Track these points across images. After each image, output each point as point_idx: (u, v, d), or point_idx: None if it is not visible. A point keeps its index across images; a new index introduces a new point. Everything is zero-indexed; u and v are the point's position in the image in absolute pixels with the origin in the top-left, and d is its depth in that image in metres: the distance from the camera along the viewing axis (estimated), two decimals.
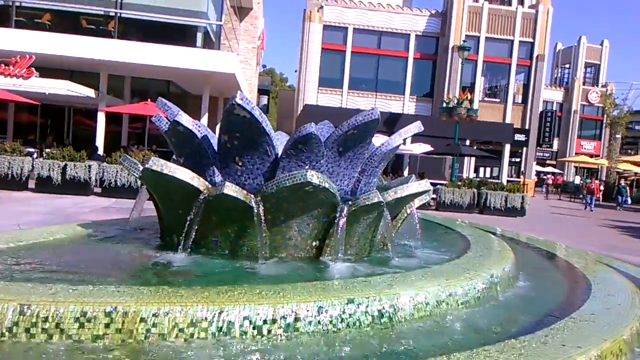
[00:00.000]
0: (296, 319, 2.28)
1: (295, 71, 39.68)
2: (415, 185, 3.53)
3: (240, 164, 3.28)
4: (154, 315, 2.12)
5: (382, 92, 30.63)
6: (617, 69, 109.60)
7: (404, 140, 3.97)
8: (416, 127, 3.88)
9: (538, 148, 34.58)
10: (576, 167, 42.58)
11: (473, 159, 28.32)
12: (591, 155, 40.38)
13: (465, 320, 2.74)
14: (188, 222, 3.05)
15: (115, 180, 12.95)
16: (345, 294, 2.48)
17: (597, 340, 2.53)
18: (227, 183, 2.96)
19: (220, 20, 20.21)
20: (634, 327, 2.81)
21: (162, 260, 3.00)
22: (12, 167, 12.38)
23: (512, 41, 30.08)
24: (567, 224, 16.17)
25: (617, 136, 38.30)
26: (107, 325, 2.08)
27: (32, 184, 13.01)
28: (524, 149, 30.45)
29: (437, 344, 2.41)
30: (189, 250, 3.10)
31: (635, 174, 36.64)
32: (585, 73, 44.34)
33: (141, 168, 3.33)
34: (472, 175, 27.60)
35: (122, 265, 2.96)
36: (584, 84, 43.13)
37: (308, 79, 30.24)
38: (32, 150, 15.40)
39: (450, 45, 29.36)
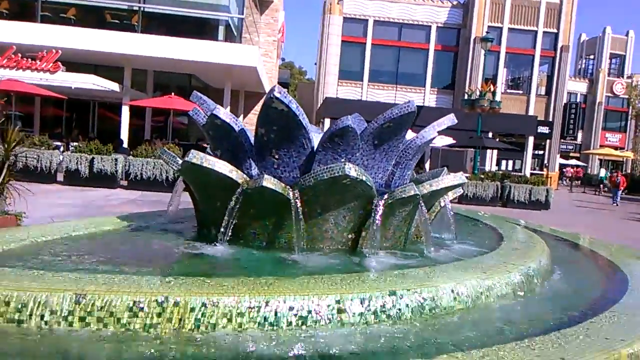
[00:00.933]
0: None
1: (315, 64, 39.65)
2: (451, 178, 3.53)
3: (276, 156, 3.32)
4: (203, 305, 2.17)
5: (403, 85, 30.43)
6: None
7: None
8: (449, 119, 3.87)
9: (562, 140, 34.04)
10: (600, 160, 41.77)
11: (495, 151, 28.01)
12: (616, 148, 39.58)
13: (505, 313, 2.75)
14: (227, 215, 3.10)
15: (141, 173, 13.14)
16: (388, 285, 2.50)
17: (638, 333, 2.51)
18: (265, 176, 3.00)
19: (242, 14, 20.28)
20: None
21: (203, 252, 3.05)
22: (41, 161, 12.63)
23: (536, 32, 29.58)
24: (592, 217, 15.92)
25: None
26: (158, 315, 2.14)
27: (60, 176, 13.28)
28: (548, 141, 30.00)
29: (481, 336, 2.42)
30: (228, 241, 3.15)
31: None
32: (610, 64, 43.43)
33: (180, 161, 3.39)
34: (494, 168, 27.30)
35: (166, 256, 3.03)
36: (608, 75, 42.27)
37: (328, 72, 30.18)
38: (58, 143, 15.70)
39: (472, 37, 29.01)
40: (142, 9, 18.52)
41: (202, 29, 21.93)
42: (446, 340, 2.33)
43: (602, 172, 34.25)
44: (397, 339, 2.31)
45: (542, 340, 2.31)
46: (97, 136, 18.38)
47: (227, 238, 3.10)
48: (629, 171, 37.79)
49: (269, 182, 2.99)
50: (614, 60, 43.86)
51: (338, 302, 2.36)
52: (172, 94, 16.67)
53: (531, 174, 22.28)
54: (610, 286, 3.67)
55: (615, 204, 21.61)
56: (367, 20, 30.13)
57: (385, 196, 3.17)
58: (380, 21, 30.13)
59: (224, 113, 3.25)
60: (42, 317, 2.08)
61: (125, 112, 18.14)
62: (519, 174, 21.60)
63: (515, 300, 2.93)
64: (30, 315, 2.08)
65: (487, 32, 23.47)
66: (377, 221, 3.12)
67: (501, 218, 6.02)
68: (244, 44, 21.92)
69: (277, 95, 2.99)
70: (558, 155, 32.03)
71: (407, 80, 30.48)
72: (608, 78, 41.82)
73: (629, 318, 2.74)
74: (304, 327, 2.28)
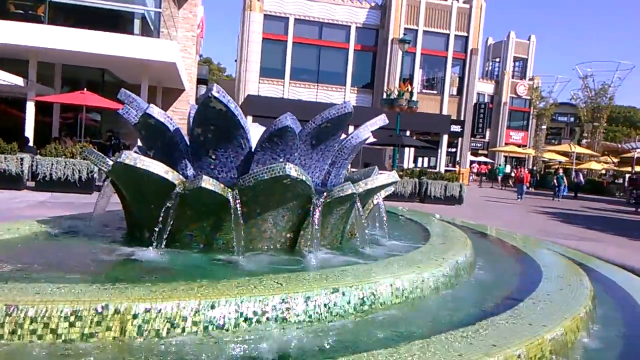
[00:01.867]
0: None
1: (235, 61, 39.10)
2: (384, 177, 3.65)
3: (213, 157, 3.26)
4: (146, 311, 2.10)
5: (324, 83, 30.86)
6: (543, 63, 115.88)
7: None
8: (381, 120, 3.99)
9: (472, 139, 36.12)
10: (506, 157, 44.85)
11: (412, 149, 29.19)
12: (519, 145, 42.70)
13: (440, 304, 2.90)
14: (162, 217, 3.00)
15: (50, 174, 12.30)
16: (331, 284, 2.55)
17: (559, 319, 2.74)
18: (204, 177, 2.94)
19: (159, 7, 19.55)
20: (587, 306, 3.07)
21: (137, 257, 2.94)
22: None
23: (448, 35, 31.17)
24: (502, 211, 17.06)
25: (543, 127, 40.73)
26: (98, 323, 2.04)
27: None
28: (459, 139, 31.72)
29: (419, 326, 2.54)
30: (164, 245, 3.05)
31: (559, 162, 39.14)
32: (514, 67, 46.65)
33: (110, 162, 3.24)
34: (411, 165, 28.45)
35: (97, 262, 2.87)
36: (512, 77, 45.41)
37: (249, 69, 29.91)
38: None
39: (390, 38, 30.00)
40: None
41: (116, 21, 20.86)
42: (387, 333, 2.42)
43: (506, 167, 36.92)
44: (341, 334, 2.36)
45: (474, 328, 2.46)
46: None
47: (163, 241, 3.00)
48: (530, 166, 40.87)
49: (208, 183, 2.93)
50: (517, 63, 47.17)
51: (283, 301, 2.38)
52: (85, 89, 15.73)
53: (445, 171, 23.43)
54: (526, 275, 3.97)
55: (519, 199, 22.55)
56: (288, 18, 30.22)
57: (324, 195, 3.22)
58: (301, 19, 30.33)
59: (157, 112, 3.14)
60: None
61: (31, 108, 16.86)
62: (434, 170, 22.65)
63: (447, 292, 3.10)
64: None
65: (404, 34, 24.37)
66: (316, 220, 3.16)
67: (424, 214, 6.30)
68: (162, 39, 21.18)
69: (216, 94, 2.94)
70: (469, 153, 33.97)
71: (328, 79, 30.95)
72: (512, 80, 44.94)
73: (547, 304, 2.99)
74: (250, 328, 2.27)
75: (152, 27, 21.99)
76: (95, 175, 12.60)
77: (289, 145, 3.24)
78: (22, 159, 12.21)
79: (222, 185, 3.01)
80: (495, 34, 67.45)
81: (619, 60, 48.94)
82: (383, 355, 1.97)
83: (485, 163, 42.05)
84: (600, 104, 39.92)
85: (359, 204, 3.43)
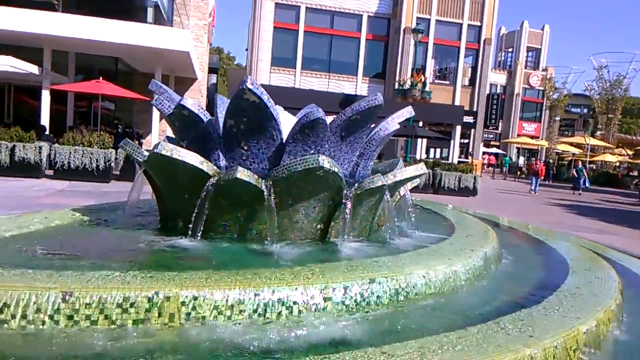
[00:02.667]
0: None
1: (246, 50, 39.03)
2: (413, 169, 3.67)
3: (245, 148, 3.30)
4: (194, 298, 2.16)
5: (335, 73, 30.74)
6: (557, 54, 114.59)
7: None
8: (408, 111, 4.01)
9: (484, 130, 35.91)
10: (518, 148, 44.56)
11: (425, 140, 29.07)
12: (532, 137, 42.39)
13: (472, 295, 2.93)
14: (197, 207, 3.06)
15: (68, 162, 12.43)
16: (368, 273, 2.60)
17: (592, 311, 2.77)
18: (239, 168, 2.98)
19: None
20: (617, 299, 3.09)
21: (176, 245, 3.00)
22: None
23: (461, 24, 30.86)
24: (517, 203, 17.01)
25: (557, 118, 40.34)
26: (148, 310, 2.10)
27: None
28: (472, 130, 31.54)
29: (452, 318, 2.58)
30: (198, 235, 3.11)
31: (573, 154, 38.84)
32: (527, 57, 46.18)
33: (145, 153, 3.29)
34: (423, 156, 28.37)
35: (139, 251, 2.94)
36: (525, 67, 44.95)
37: (260, 58, 29.86)
38: None
39: (402, 27, 29.77)
40: None
41: (129, 10, 20.94)
42: (423, 323, 2.46)
43: (519, 159, 36.76)
44: (379, 323, 2.41)
45: (510, 319, 2.50)
46: (14, 122, 17.14)
47: (203, 230, 3.06)
48: (544, 158, 40.60)
49: (243, 174, 2.98)
50: (530, 53, 46.69)
51: (323, 290, 2.43)
52: (101, 77, 15.81)
53: (459, 162, 23.34)
54: (552, 267, 3.98)
55: (532, 192, 21.96)
56: (299, 6, 30.06)
57: (355, 187, 3.26)
58: (312, 8, 30.16)
59: (191, 103, 3.19)
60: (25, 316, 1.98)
61: (46, 96, 17.00)
62: (448, 162, 22.59)
63: (478, 283, 3.13)
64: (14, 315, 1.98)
65: (417, 24, 24.17)
66: (347, 211, 3.20)
67: (443, 205, 6.32)
68: (175, 28, 21.21)
69: (250, 86, 2.98)
70: (481, 144, 33.80)
71: (339, 69, 30.82)
72: (525, 70, 44.49)
73: (578, 297, 3.01)
74: (292, 316, 2.33)
75: (164, 16, 22.03)
76: (112, 164, 12.72)
77: (320, 137, 3.27)
78: (40, 147, 12.35)
79: (256, 177, 3.05)
80: (508, 24, 66.80)
81: (635, 51, 48.23)
82: (430, 342, 2.02)
83: (497, 155, 41.83)
84: (615, 96, 39.48)
85: (388, 195, 3.46)
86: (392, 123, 3.82)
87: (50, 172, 12.72)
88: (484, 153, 39.38)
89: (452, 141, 30.40)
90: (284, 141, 3.31)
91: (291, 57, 30.32)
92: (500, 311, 2.69)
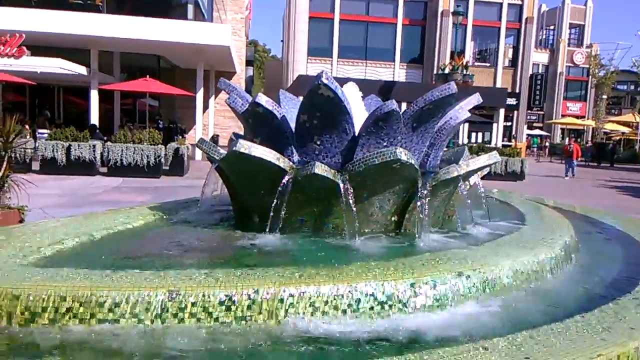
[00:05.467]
0: None
1: (282, 41, 39.10)
2: (485, 158, 3.61)
3: (318, 142, 3.32)
4: (290, 295, 2.20)
5: (372, 60, 30.45)
6: (601, 30, 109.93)
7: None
8: (476, 98, 3.94)
9: (528, 111, 34.90)
10: (563, 129, 43.10)
11: (466, 124, 28.51)
12: (577, 117, 40.86)
13: (558, 286, 2.87)
14: (275, 203, 3.09)
15: (121, 160, 12.81)
16: (456, 267, 2.58)
17: None
18: (317, 163, 3.00)
19: None
20: None
21: (257, 242, 3.05)
22: (15, 149, 12.12)
23: (501, 4, 29.99)
24: (568, 186, 16.51)
25: (604, 97, 38.77)
26: (249, 307, 2.15)
27: (35, 165, 12.82)
28: (515, 112, 30.72)
29: (546, 308, 2.54)
30: (276, 230, 3.15)
31: (623, 133, 37.32)
32: (570, 34, 44.46)
33: (222, 150, 3.35)
34: (465, 140, 27.85)
35: (222, 248, 3.01)
36: (569, 45, 43.29)
37: (297, 49, 29.84)
38: (43, 131, 15.17)
39: (440, 10, 29.15)
40: None
41: (169, 8, 21.30)
42: (516, 314, 2.43)
43: (564, 139, 35.55)
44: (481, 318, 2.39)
45: (612, 311, 2.43)
46: (64, 122, 17.74)
47: (281, 226, 3.10)
48: (589, 139, 39.16)
49: (320, 169, 2.99)
50: (573, 31, 44.89)
51: (412, 285, 2.43)
52: (148, 76, 16.18)
53: (503, 146, 22.78)
54: (632, 255, 3.84)
55: (568, 176, 19.41)
56: None
57: (431, 178, 3.23)
58: None
59: (265, 100, 3.22)
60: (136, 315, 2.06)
61: (95, 96, 17.53)
62: (492, 146, 22.08)
63: (561, 273, 3.06)
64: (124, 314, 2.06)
65: (457, 6, 23.62)
66: (424, 203, 3.17)
67: (505, 192, 6.21)
68: (215, 23, 21.44)
69: (325, 81, 2.98)
70: (525, 126, 32.89)
71: (376, 56, 30.50)
72: (568, 48, 42.83)
73: None
74: (383, 311, 2.34)
75: (203, 11, 22.28)
76: (162, 160, 13.03)
77: (393, 129, 3.25)
78: (94, 146, 12.77)
79: (333, 171, 3.07)
80: (549, 0, 64.11)
81: None
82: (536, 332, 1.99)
83: (541, 137, 40.54)
84: None
85: (463, 185, 3.42)
86: (462, 112, 3.76)
87: (103, 170, 13.14)
88: (527, 135, 38.31)
89: (495, 124, 29.69)
90: (356, 134, 3.31)
91: (327, 47, 30.18)
92: (592, 302, 2.63)
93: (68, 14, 15.99)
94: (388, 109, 3.13)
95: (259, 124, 3.39)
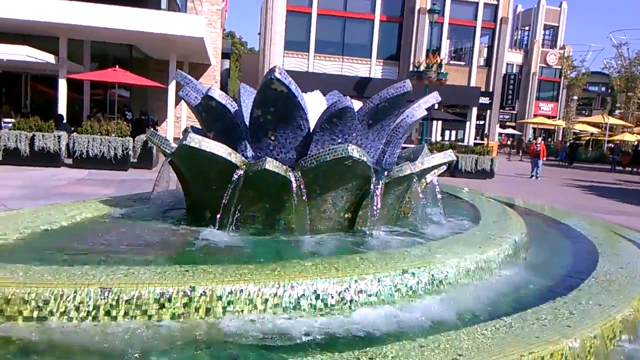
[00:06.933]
0: None
1: (259, 34, 38.77)
2: (440, 156, 3.63)
3: (272, 138, 3.29)
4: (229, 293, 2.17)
5: (349, 56, 30.42)
6: (574, 31, 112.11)
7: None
8: (434, 97, 3.96)
9: (501, 111, 35.40)
10: (534, 129, 43.88)
11: (439, 122, 28.77)
12: (549, 117, 41.66)
13: (505, 283, 2.91)
14: (227, 198, 3.06)
15: (87, 151, 12.53)
16: (400, 264, 2.58)
17: (627, 299, 2.73)
18: (268, 158, 2.97)
19: None
20: None
21: (205, 237, 3.01)
22: None
23: (477, 3, 30.26)
24: (535, 185, 16.81)
25: (574, 97, 39.57)
26: (185, 305, 2.11)
27: None
28: (488, 111, 31.11)
29: (487, 306, 2.56)
30: (227, 226, 3.11)
31: (591, 134, 38.19)
32: (544, 35, 45.21)
33: (173, 144, 3.29)
34: (438, 138, 28.10)
35: (169, 244, 2.96)
36: (542, 46, 44.03)
37: (274, 42, 29.62)
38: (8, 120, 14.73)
39: (417, 8, 29.29)
40: None
41: None
42: (460, 312, 2.45)
43: (535, 139, 36.20)
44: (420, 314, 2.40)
45: (549, 308, 2.47)
46: (31, 112, 17.27)
47: (232, 221, 3.06)
48: (560, 138, 39.94)
49: (272, 164, 2.96)
50: (547, 32, 45.67)
51: (357, 282, 2.42)
52: (117, 66, 15.85)
53: (475, 144, 23.07)
54: (581, 252, 3.92)
55: (533, 177, 18.91)
56: None
57: (384, 175, 3.23)
58: None
59: (218, 94, 3.17)
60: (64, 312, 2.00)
61: (63, 85, 17.07)
62: (464, 144, 22.34)
63: (509, 270, 3.10)
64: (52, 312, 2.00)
65: (433, 4, 23.77)
66: (377, 200, 3.17)
67: (471, 190, 6.27)
68: (189, 14, 21.13)
69: (278, 76, 2.95)
70: (497, 125, 33.35)
71: (353, 51, 30.48)
72: (542, 49, 43.57)
73: (609, 284, 2.97)
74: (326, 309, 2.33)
75: (178, 2, 21.94)
76: (129, 152, 12.79)
77: (347, 125, 3.24)
78: (59, 136, 12.45)
79: (285, 167, 3.04)
80: (525, 1, 65.16)
81: None
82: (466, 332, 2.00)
83: (513, 135, 41.20)
84: (634, 73, 38.54)
85: (416, 183, 3.43)
86: (419, 110, 3.77)
87: (69, 161, 12.83)
88: (499, 134, 38.88)
89: (467, 123, 30.02)
90: (311, 130, 3.28)
91: (304, 41, 30.04)
92: (535, 299, 2.67)
93: (36, 0, 15.54)
94: (342, 105, 3.11)
95: (213, 118, 3.35)
